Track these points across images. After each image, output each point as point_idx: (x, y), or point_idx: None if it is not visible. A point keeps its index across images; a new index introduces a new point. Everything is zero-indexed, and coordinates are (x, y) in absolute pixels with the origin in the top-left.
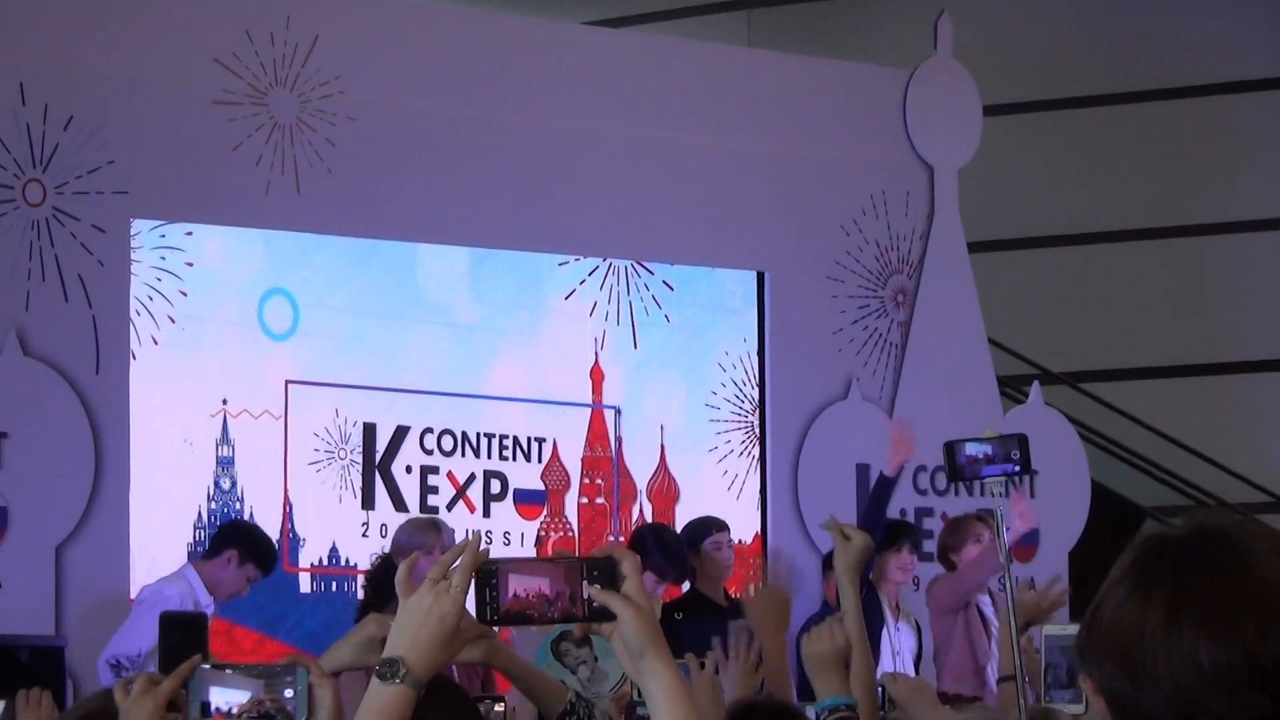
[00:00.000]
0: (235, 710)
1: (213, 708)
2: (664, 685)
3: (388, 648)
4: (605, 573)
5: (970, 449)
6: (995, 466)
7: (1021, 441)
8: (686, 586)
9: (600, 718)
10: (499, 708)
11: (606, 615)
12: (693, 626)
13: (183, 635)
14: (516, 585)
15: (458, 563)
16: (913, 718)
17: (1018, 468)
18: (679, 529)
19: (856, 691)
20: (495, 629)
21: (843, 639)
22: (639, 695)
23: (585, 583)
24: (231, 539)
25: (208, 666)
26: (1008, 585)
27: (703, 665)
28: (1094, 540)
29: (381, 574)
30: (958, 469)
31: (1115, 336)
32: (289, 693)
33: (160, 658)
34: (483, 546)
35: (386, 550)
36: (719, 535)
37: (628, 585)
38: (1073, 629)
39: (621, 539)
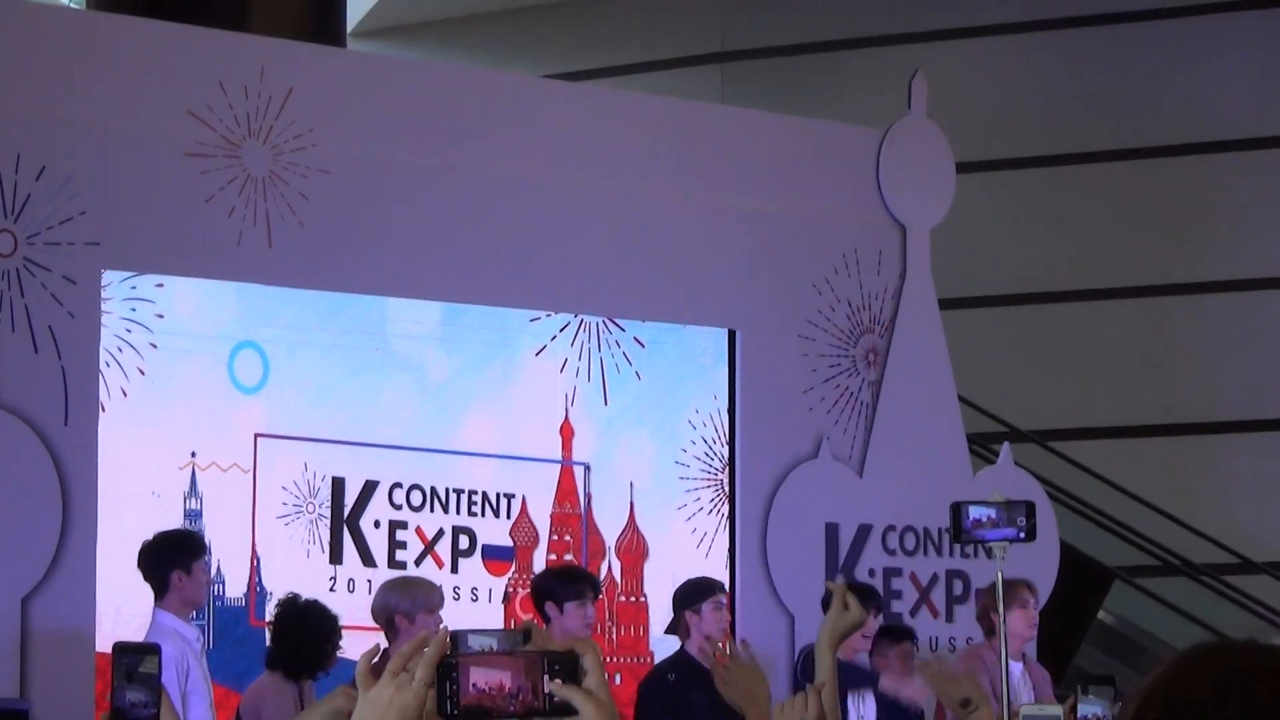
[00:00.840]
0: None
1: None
2: None
3: None
4: (567, 667)
5: (976, 512)
6: (999, 531)
7: (1029, 509)
8: (676, 646)
9: None
10: None
11: (568, 710)
12: (688, 689)
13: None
14: (477, 678)
15: (422, 654)
16: None
17: (1023, 534)
18: (675, 589)
19: None
20: None
21: (815, 711)
22: None
23: (546, 677)
24: (162, 560)
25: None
26: (1003, 655)
27: None
28: (1062, 600)
29: (285, 623)
30: (962, 530)
31: (1084, 396)
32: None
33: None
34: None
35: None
36: (719, 595)
37: (589, 680)
38: (1052, 709)
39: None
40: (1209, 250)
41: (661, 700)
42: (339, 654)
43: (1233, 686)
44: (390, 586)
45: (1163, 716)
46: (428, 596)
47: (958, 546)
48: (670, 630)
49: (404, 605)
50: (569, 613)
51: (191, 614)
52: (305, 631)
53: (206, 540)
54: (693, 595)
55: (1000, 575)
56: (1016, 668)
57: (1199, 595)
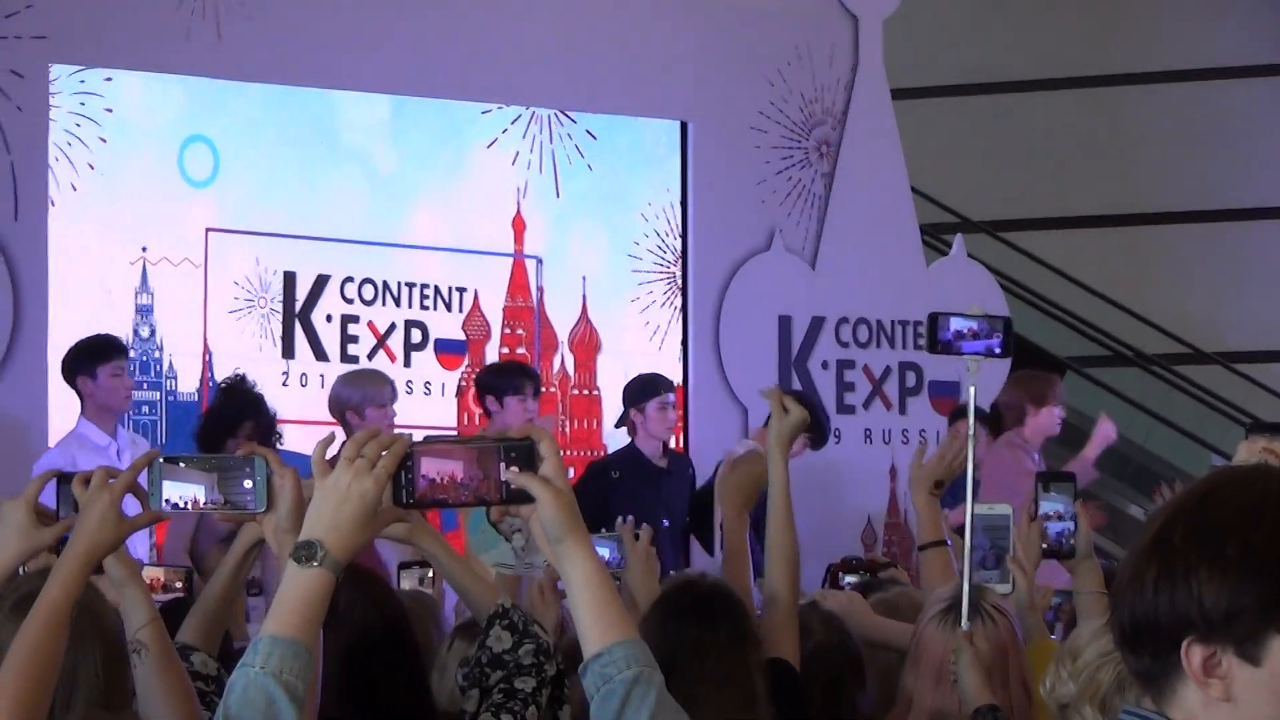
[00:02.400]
0: (191, 503)
1: (169, 501)
2: (583, 572)
3: (304, 530)
4: (523, 454)
5: (955, 323)
6: (978, 342)
7: (1007, 324)
8: (626, 443)
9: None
10: (430, 574)
11: (524, 498)
12: (629, 485)
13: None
14: (430, 468)
15: (384, 446)
16: (855, 627)
17: (1000, 349)
18: (624, 385)
19: (778, 567)
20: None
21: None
22: None
23: (503, 465)
24: (70, 368)
25: (163, 460)
26: (970, 452)
27: (637, 537)
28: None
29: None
30: (938, 341)
31: (1036, 186)
32: (247, 483)
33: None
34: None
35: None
36: (666, 395)
37: (546, 467)
38: (1001, 508)
39: (543, 389)
40: (1160, 39)
41: (598, 492)
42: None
43: (1263, 510)
44: (343, 380)
45: (1188, 538)
46: (376, 390)
47: (910, 339)
48: (620, 424)
49: (353, 399)
50: (509, 407)
51: (114, 421)
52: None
53: (124, 341)
54: (639, 393)
55: (974, 390)
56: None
57: (1150, 385)
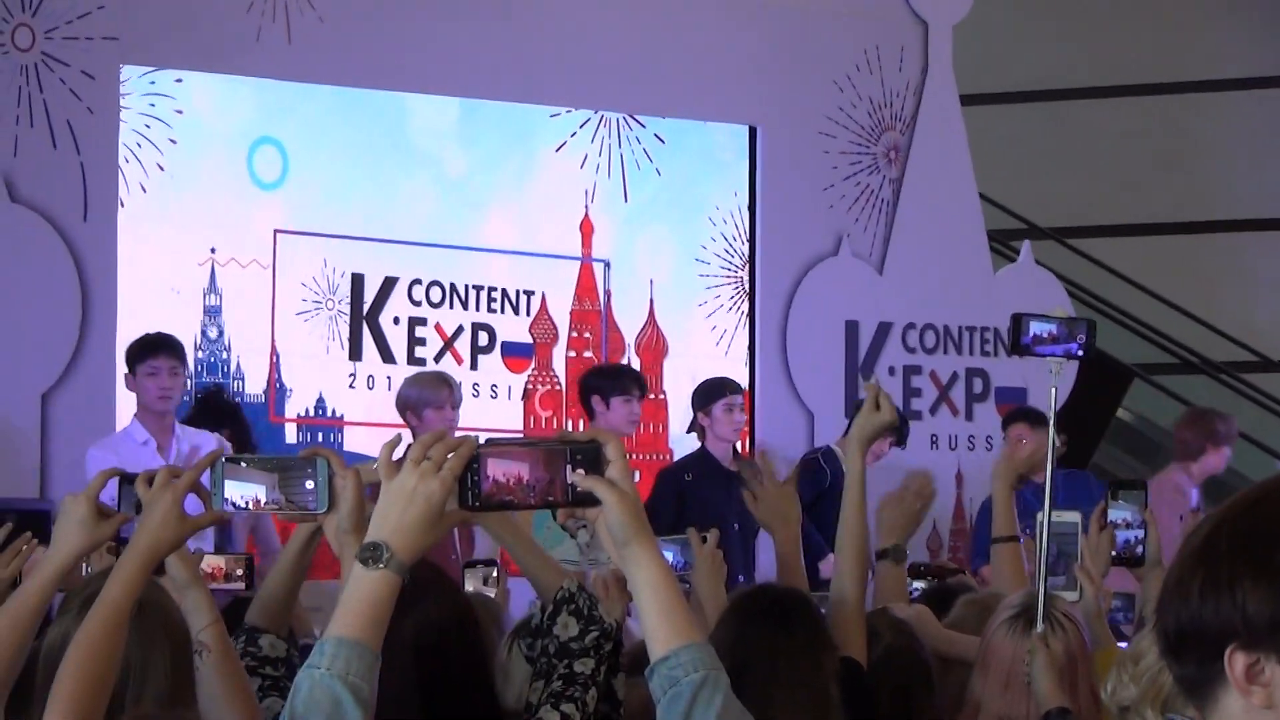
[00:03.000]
0: (252, 503)
1: (230, 502)
2: (649, 577)
3: (370, 532)
4: (589, 457)
5: (1036, 326)
6: (1059, 346)
7: (1090, 327)
8: (696, 446)
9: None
10: (495, 573)
11: (590, 500)
12: (701, 489)
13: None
14: (497, 470)
15: (451, 449)
16: (924, 639)
17: (1081, 351)
18: (692, 390)
19: (848, 566)
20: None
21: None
22: None
23: (569, 467)
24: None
25: (226, 460)
26: (1050, 456)
27: (704, 539)
28: (1081, 399)
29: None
30: (1020, 343)
31: (1104, 192)
32: (309, 484)
33: None
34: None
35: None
36: (732, 397)
37: (612, 469)
38: (1070, 516)
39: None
40: (1228, 47)
41: (673, 496)
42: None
43: None
44: (407, 381)
45: (1234, 545)
46: (434, 393)
47: (977, 345)
48: (690, 429)
49: (411, 399)
50: (615, 408)
51: (161, 419)
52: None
53: (171, 340)
54: (706, 396)
55: (1055, 391)
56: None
57: (1217, 393)
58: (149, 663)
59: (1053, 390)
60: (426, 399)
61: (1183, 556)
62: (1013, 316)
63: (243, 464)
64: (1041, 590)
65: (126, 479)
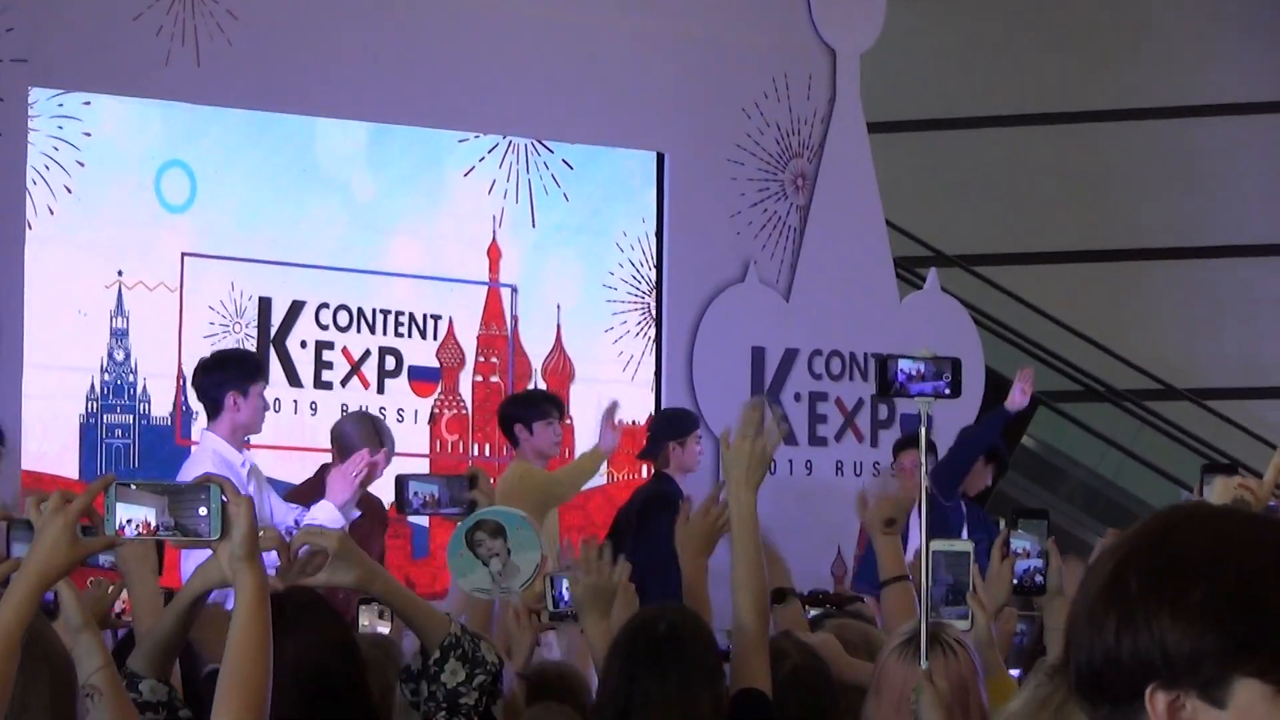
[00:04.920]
0: (145, 529)
1: (120, 525)
2: None
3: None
4: None
5: (905, 366)
6: (926, 384)
7: (955, 365)
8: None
9: (487, 650)
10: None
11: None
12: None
13: None
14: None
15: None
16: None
17: (948, 389)
18: (599, 410)
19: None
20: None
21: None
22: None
23: None
24: (219, 380)
25: (118, 484)
26: (921, 491)
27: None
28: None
29: None
30: (888, 384)
31: (1011, 220)
32: (202, 510)
33: None
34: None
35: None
36: (697, 431)
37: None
38: (962, 545)
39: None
40: (1137, 77)
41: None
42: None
43: (1222, 555)
44: (352, 419)
45: (1145, 583)
46: (364, 438)
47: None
48: (651, 455)
49: (346, 438)
50: (538, 432)
51: (243, 439)
52: None
53: (259, 365)
54: (679, 428)
55: (924, 431)
56: None
57: (1121, 421)
58: (28, 695)
59: (922, 429)
60: (361, 440)
61: (1090, 592)
62: (878, 359)
63: (135, 488)
64: (924, 624)
65: (13, 523)
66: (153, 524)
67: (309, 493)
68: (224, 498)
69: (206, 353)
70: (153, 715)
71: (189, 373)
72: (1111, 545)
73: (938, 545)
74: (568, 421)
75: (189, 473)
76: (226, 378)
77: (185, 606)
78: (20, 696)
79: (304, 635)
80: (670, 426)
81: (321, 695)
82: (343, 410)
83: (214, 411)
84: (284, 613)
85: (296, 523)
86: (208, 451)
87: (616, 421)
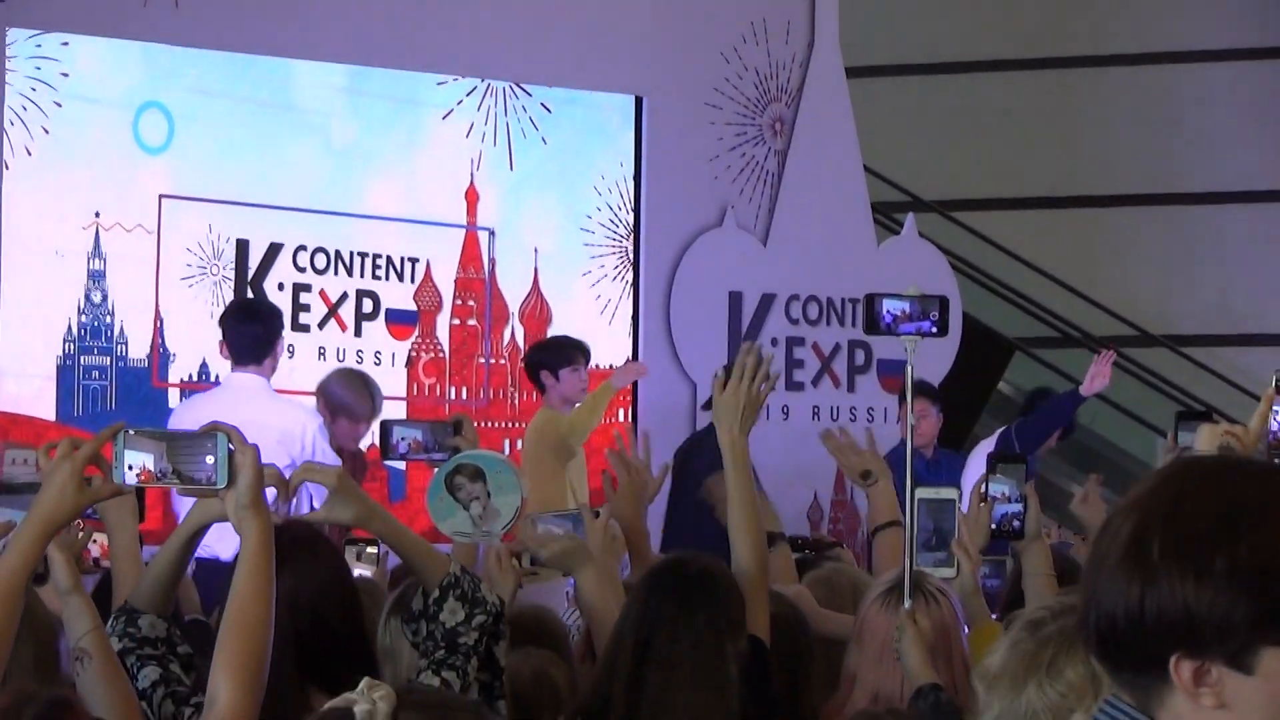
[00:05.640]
0: (151, 474)
1: (131, 471)
2: None
3: None
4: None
5: (891, 305)
6: (912, 324)
7: (942, 303)
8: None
9: (487, 591)
10: (371, 550)
11: None
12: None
13: None
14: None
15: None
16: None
17: (935, 328)
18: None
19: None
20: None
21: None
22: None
23: None
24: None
25: (130, 431)
26: (908, 437)
27: (596, 514)
28: (962, 372)
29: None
30: (875, 322)
31: (988, 166)
32: (209, 459)
33: None
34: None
35: None
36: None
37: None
38: (947, 492)
39: (493, 361)
40: (1114, 22)
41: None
42: None
43: (1242, 518)
44: (338, 377)
45: (1168, 551)
46: (359, 406)
47: (859, 317)
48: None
49: (334, 399)
50: (565, 379)
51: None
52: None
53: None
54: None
55: (910, 369)
56: None
57: None
58: (12, 657)
59: (909, 368)
60: (348, 400)
61: (1107, 557)
62: (865, 297)
63: (143, 437)
64: (908, 565)
65: None
66: (157, 471)
67: None
68: (230, 446)
69: (183, 294)
70: (151, 649)
71: (166, 314)
72: (1123, 507)
73: (922, 493)
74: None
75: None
76: (328, 399)
77: (184, 541)
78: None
79: (301, 569)
80: (547, 356)
81: (317, 630)
82: (320, 354)
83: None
84: (282, 547)
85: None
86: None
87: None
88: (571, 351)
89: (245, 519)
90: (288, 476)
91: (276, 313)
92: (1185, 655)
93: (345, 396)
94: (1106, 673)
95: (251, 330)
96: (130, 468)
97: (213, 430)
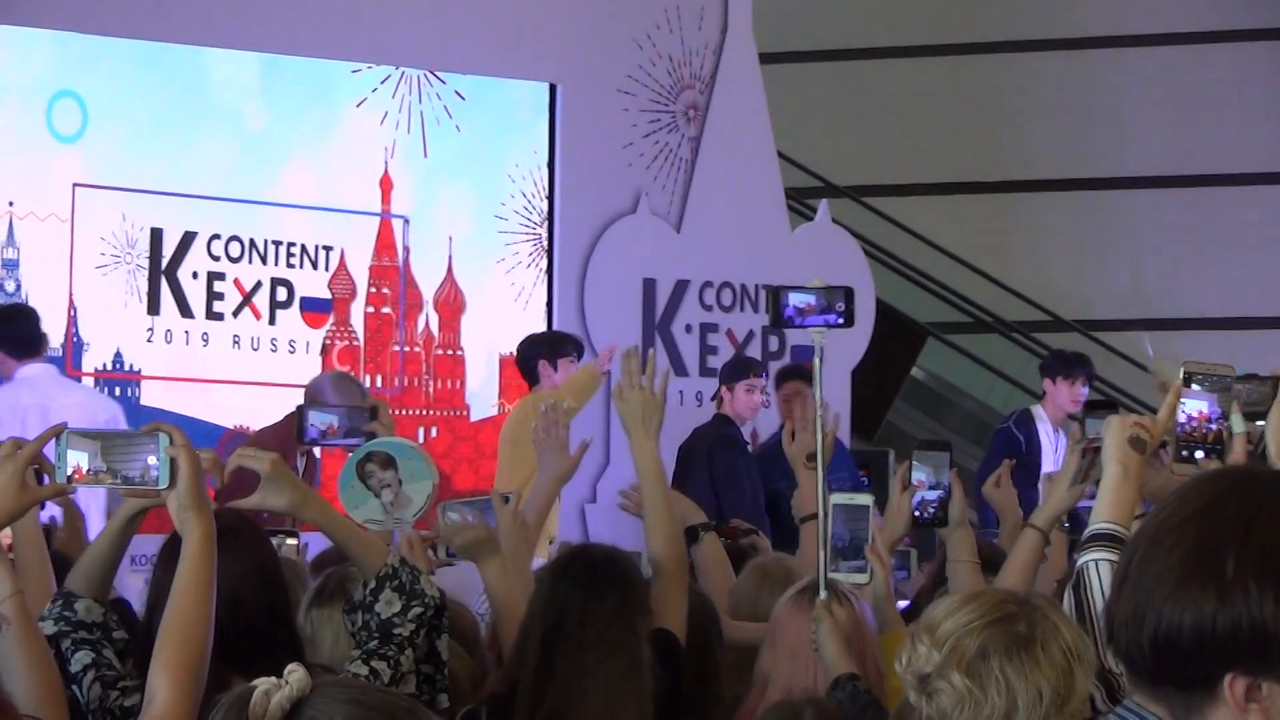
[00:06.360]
0: (86, 474)
1: (71, 471)
2: None
3: None
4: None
5: (796, 299)
6: (819, 316)
7: (847, 294)
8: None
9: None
10: (290, 542)
11: None
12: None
13: None
14: None
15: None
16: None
17: (841, 319)
18: (490, 342)
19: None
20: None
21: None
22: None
23: None
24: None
25: (69, 433)
26: (819, 431)
27: (506, 500)
28: (876, 357)
29: None
30: (782, 317)
31: (901, 152)
32: (151, 459)
33: None
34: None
35: None
36: (755, 379)
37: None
38: (861, 498)
39: (407, 349)
40: (1027, 8)
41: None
42: None
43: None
44: (332, 380)
45: (1245, 570)
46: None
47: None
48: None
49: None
50: (562, 370)
51: None
52: None
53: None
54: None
55: (818, 363)
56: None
57: (1011, 352)
58: None
59: (817, 360)
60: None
61: (1163, 573)
62: (770, 290)
63: (86, 438)
64: (822, 558)
65: None
66: (92, 471)
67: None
68: (171, 447)
69: (97, 283)
70: (86, 634)
71: (80, 304)
72: (1175, 523)
73: (837, 499)
74: (459, 352)
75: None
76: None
77: (120, 525)
78: None
79: (223, 557)
80: (546, 348)
81: (235, 617)
82: (234, 342)
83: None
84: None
85: None
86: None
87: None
88: (568, 344)
89: (187, 520)
90: None
91: (31, 309)
92: (1242, 672)
93: (335, 397)
94: (1139, 685)
95: (22, 328)
96: (76, 468)
97: (155, 430)
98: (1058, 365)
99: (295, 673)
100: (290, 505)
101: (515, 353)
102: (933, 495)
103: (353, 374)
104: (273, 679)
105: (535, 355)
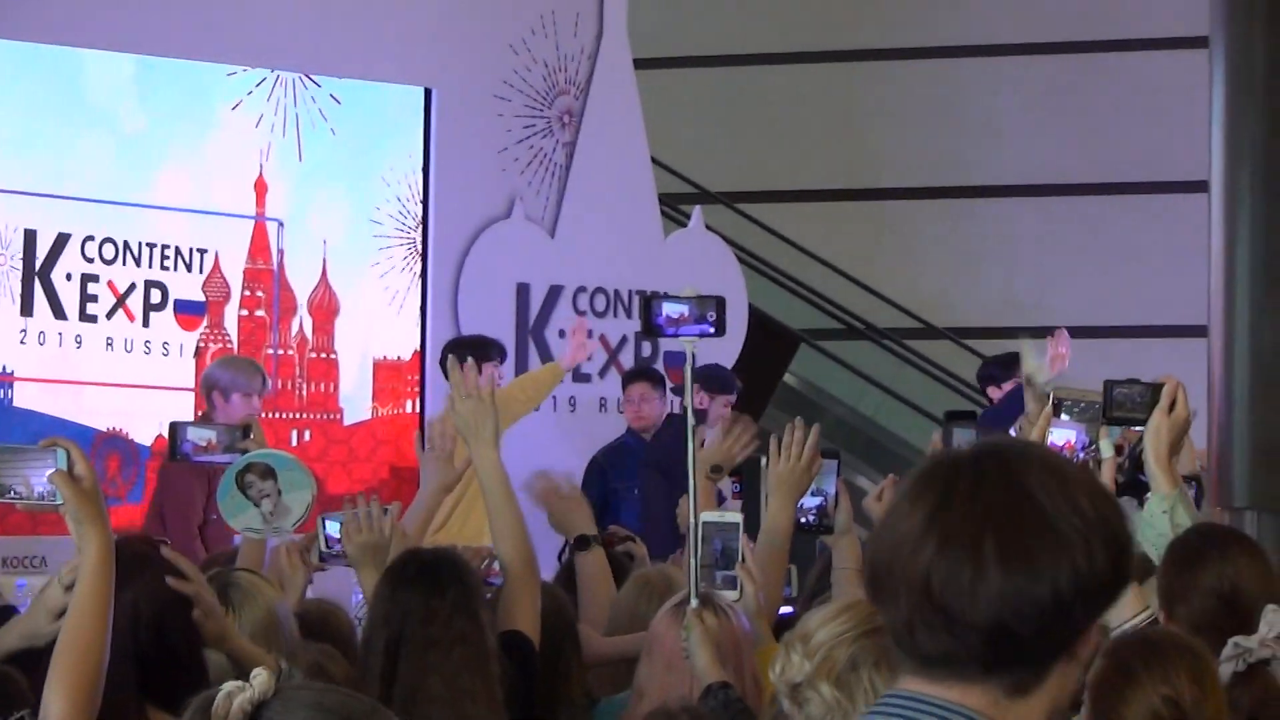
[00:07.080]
0: None
1: None
2: None
3: None
4: None
5: (668, 309)
6: (692, 326)
7: (719, 304)
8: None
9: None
10: None
11: None
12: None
13: None
14: None
15: None
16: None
17: (713, 329)
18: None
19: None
20: None
21: None
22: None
23: None
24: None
25: None
26: (689, 437)
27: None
28: (748, 363)
29: None
30: (654, 326)
31: (775, 158)
32: (48, 474)
33: None
34: None
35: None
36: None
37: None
38: (731, 516)
39: (281, 352)
40: (899, 16)
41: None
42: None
43: None
44: (219, 363)
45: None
46: (247, 380)
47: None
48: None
49: (223, 381)
50: (486, 373)
51: None
52: None
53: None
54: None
55: (689, 371)
56: None
57: (882, 359)
58: None
59: (687, 370)
60: (238, 384)
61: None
62: (642, 299)
63: None
64: (693, 567)
65: None
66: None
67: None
68: (71, 461)
69: None
70: None
71: None
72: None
73: (707, 516)
74: (332, 356)
75: None
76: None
77: None
78: None
79: (140, 586)
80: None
81: (159, 648)
82: (108, 344)
83: None
84: (122, 563)
85: None
86: None
87: (581, 340)
88: (492, 349)
89: (84, 535)
90: None
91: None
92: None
93: (232, 375)
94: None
95: None
96: None
97: (52, 444)
98: (1000, 371)
99: (259, 675)
100: None
101: (440, 354)
102: (811, 503)
103: (257, 362)
104: (237, 682)
105: (460, 358)
